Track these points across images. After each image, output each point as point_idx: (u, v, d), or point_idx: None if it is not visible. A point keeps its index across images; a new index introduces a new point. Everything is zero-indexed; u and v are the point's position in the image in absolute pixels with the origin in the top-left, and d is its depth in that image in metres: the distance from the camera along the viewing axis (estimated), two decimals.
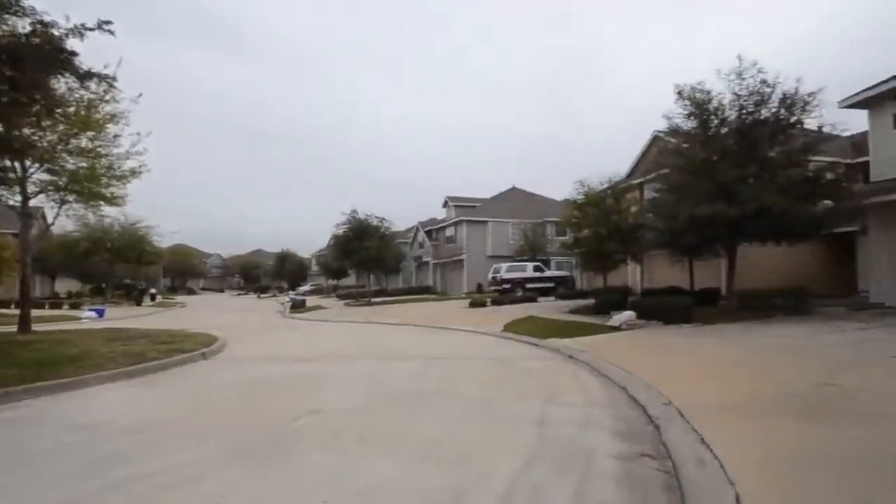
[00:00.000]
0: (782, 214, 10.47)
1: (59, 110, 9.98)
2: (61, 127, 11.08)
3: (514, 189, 43.54)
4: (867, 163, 13.89)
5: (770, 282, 14.11)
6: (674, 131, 13.08)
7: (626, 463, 3.73)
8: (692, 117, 12.11)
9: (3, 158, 10.50)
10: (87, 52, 8.23)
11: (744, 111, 11.53)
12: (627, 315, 11.68)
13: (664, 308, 11.88)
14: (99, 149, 12.33)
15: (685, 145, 12.57)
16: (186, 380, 7.88)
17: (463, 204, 40.39)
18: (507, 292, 24.99)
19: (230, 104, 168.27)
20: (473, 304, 21.38)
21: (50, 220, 15.20)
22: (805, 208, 10.95)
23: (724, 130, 11.78)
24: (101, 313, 22.64)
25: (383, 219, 28.32)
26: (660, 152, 15.13)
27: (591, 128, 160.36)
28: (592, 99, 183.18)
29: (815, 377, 5.56)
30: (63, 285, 39.52)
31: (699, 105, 11.85)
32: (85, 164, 12.46)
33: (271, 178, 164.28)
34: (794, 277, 14.98)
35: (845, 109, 13.19)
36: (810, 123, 11.60)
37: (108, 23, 7.64)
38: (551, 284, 26.80)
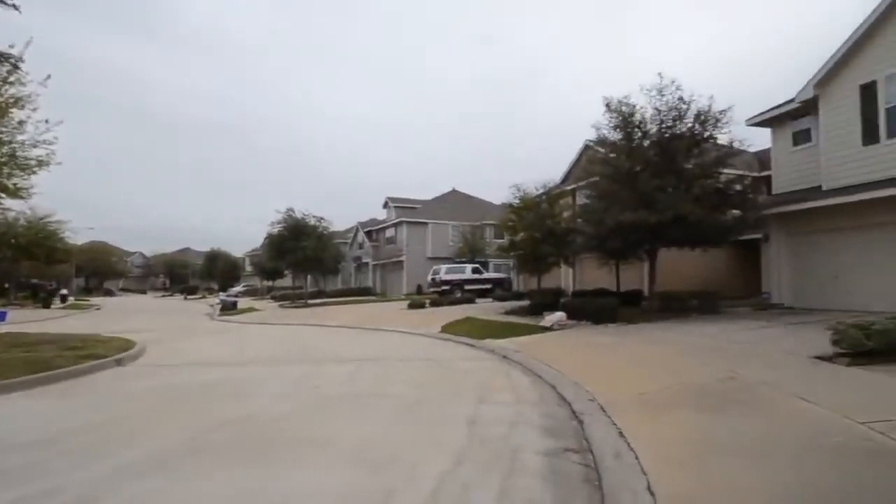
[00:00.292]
0: (697, 222, 11.37)
1: None
2: None
3: (454, 191, 43.99)
4: (770, 176, 15.48)
5: (687, 284, 15.30)
6: (602, 141, 13.83)
7: (551, 458, 3.88)
8: (618, 129, 12.83)
9: None
10: None
11: (663, 125, 12.40)
12: (558, 316, 12.17)
13: (592, 309, 12.49)
14: (0, 135, 10.98)
15: (612, 155, 13.28)
16: (97, 389, 7.19)
17: (404, 205, 40.25)
18: (447, 293, 25.22)
19: (155, 94, 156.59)
20: (412, 306, 21.34)
21: None
22: (716, 217, 11.95)
23: (646, 143, 12.57)
24: (2, 317, 20.10)
25: (321, 218, 27.55)
26: (589, 161, 15.89)
27: (529, 134, 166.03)
28: (532, 105, 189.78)
29: (721, 372, 6.09)
30: None
31: (625, 118, 12.59)
32: None
33: (204, 174, 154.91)
34: (708, 280, 16.41)
35: (752, 127, 14.65)
36: (722, 139, 12.74)
37: None
38: (489, 286, 27.39)
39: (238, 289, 49.51)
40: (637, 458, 3.59)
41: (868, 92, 11.20)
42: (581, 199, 18.22)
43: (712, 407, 4.82)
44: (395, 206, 40.20)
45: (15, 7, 6.88)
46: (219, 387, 7.06)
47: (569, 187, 20.39)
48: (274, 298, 35.56)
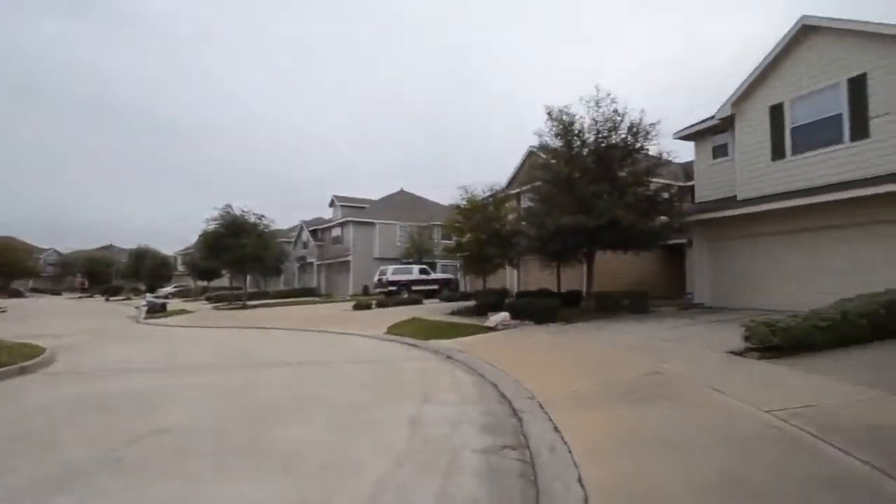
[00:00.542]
0: (629, 227, 12.08)
1: None
2: None
3: (402, 192, 43.83)
4: (693, 186, 16.76)
5: (621, 285, 16.23)
6: (544, 148, 14.35)
7: (490, 456, 3.98)
8: (559, 137, 13.38)
9: None
10: None
11: (600, 135, 13.07)
12: (502, 316, 12.47)
13: (535, 309, 12.91)
14: None
15: (553, 161, 13.82)
16: None
17: (350, 204, 39.57)
18: (393, 294, 25.08)
19: (76, 77, 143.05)
20: (358, 307, 21.02)
21: None
22: (646, 222, 12.75)
23: (584, 151, 13.18)
24: None
25: (262, 215, 26.40)
26: (532, 166, 16.44)
27: (478, 137, 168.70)
28: (485, 110, 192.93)
29: (648, 367, 6.52)
30: None
31: (565, 126, 13.15)
32: None
33: (132, 167, 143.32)
34: (639, 281, 17.50)
35: (678, 140, 15.80)
36: (652, 150, 13.63)
37: None
38: (436, 287, 27.54)
39: (168, 289, 46.33)
40: (570, 451, 3.77)
41: (777, 112, 12.43)
42: (525, 203, 18.79)
43: (640, 400, 5.15)
44: (342, 205, 39.41)
45: None
46: (137, 396, 6.56)
47: (514, 191, 20.95)
48: (209, 300, 33.64)
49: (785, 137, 12.23)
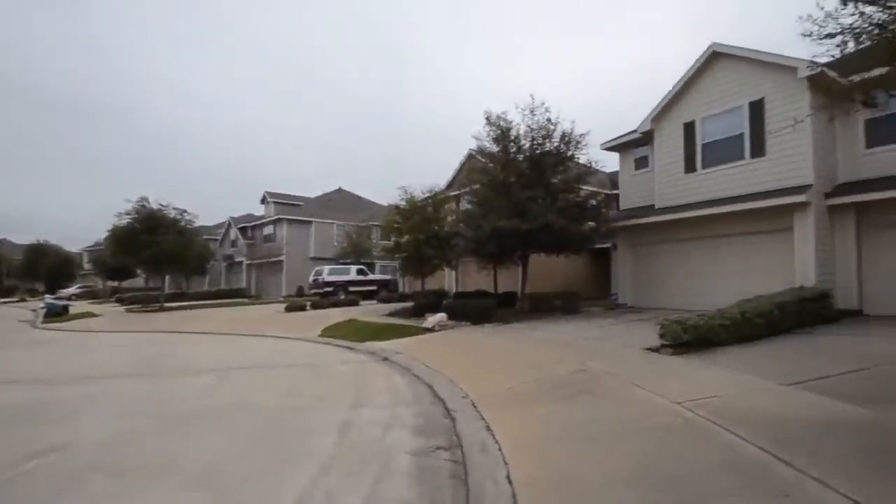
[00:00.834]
0: (561, 231, 12.65)
1: None
2: None
3: (340, 190, 42.83)
4: (618, 194, 17.87)
5: (553, 286, 16.94)
6: (482, 152, 14.66)
7: (422, 458, 3.96)
8: (497, 142, 13.74)
9: None
10: None
11: (535, 142, 13.58)
12: (439, 317, 12.53)
13: (471, 310, 13.10)
14: None
15: (490, 165, 14.18)
16: None
17: (284, 201, 37.94)
18: (329, 295, 24.37)
19: None
20: (291, 308, 20.21)
21: None
22: (576, 227, 13.42)
23: (520, 156, 13.65)
24: None
25: (184, 211, 24.48)
26: (471, 169, 16.71)
27: (419, 138, 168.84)
28: (425, 112, 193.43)
29: (575, 365, 6.83)
30: None
31: (502, 132, 13.53)
32: None
33: (33, 153, 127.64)
34: (570, 283, 18.37)
35: (606, 151, 16.79)
36: (582, 159, 14.35)
37: None
38: (375, 287, 27.11)
39: (72, 290, 41.84)
40: (500, 449, 3.85)
41: (690, 129, 13.59)
42: (464, 205, 19.04)
43: (567, 396, 5.38)
44: (275, 202, 37.67)
45: None
46: (30, 411, 5.86)
47: (453, 193, 21.18)
48: (120, 301, 30.69)
49: (696, 152, 13.39)
